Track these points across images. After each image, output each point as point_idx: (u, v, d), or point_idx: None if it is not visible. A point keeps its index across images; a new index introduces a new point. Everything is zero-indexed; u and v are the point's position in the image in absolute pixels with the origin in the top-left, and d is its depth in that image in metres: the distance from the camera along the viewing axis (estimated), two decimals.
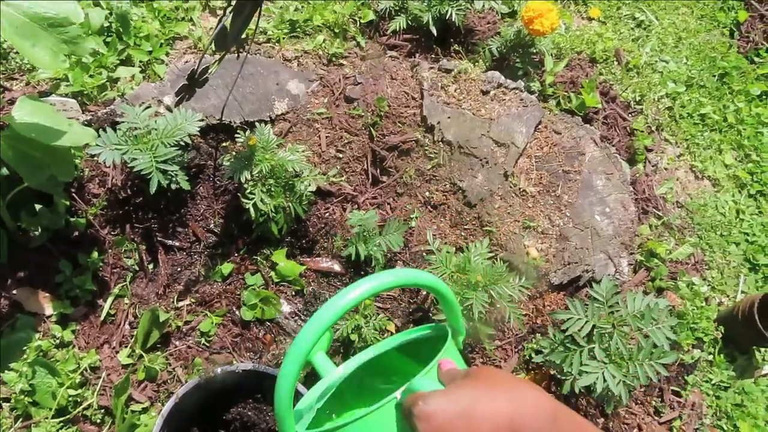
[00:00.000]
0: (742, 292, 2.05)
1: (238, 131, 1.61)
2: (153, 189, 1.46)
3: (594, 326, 1.59)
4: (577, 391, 1.53)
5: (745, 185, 2.25)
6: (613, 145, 2.07)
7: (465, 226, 1.77)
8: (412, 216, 1.77)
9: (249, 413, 1.44)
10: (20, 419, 1.41)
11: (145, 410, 1.46)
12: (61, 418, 1.41)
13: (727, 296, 2.05)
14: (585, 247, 1.78)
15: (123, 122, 1.52)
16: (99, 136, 1.45)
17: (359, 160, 1.82)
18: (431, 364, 0.87)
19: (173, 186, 1.54)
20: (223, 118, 1.71)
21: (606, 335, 1.54)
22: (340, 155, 1.81)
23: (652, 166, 2.19)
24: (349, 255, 1.58)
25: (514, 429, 0.65)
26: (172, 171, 1.53)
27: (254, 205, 1.53)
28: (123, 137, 1.49)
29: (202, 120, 1.59)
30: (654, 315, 1.56)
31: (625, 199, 1.88)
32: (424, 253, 1.72)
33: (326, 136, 1.81)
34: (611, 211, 1.85)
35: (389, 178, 1.81)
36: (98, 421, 1.44)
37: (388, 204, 1.80)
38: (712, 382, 1.88)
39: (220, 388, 1.39)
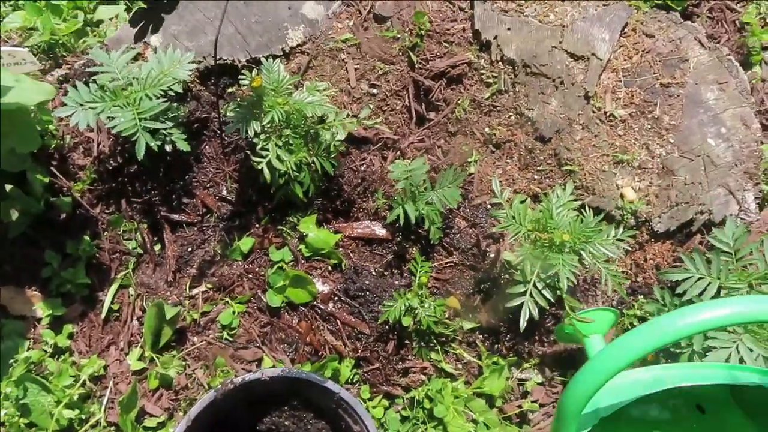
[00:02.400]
0: None
1: (243, 71, 1.27)
2: (140, 154, 1.15)
3: (720, 287, 1.22)
4: None
5: None
6: (723, 45, 1.62)
7: (539, 167, 1.40)
8: (469, 160, 1.41)
9: (285, 422, 1.18)
10: None
11: (161, 425, 1.20)
12: None
13: None
14: (697, 181, 1.38)
15: (102, 73, 1.22)
16: (67, 92, 1.15)
17: (398, 95, 1.45)
18: None
19: (168, 148, 1.23)
20: (223, 57, 1.37)
21: None
22: (375, 91, 1.45)
23: None
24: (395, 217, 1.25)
25: None
26: (164, 129, 1.22)
27: (268, 164, 1.20)
28: (98, 92, 1.18)
29: (197, 62, 1.26)
30: None
31: (746, 114, 1.45)
32: (489, 206, 1.37)
33: (355, 68, 1.45)
34: (728, 131, 1.43)
35: (438, 114, 1.44)
36: None
37: (439, 147, 1.44)
38: None
39: (247, 397, 1.12)
